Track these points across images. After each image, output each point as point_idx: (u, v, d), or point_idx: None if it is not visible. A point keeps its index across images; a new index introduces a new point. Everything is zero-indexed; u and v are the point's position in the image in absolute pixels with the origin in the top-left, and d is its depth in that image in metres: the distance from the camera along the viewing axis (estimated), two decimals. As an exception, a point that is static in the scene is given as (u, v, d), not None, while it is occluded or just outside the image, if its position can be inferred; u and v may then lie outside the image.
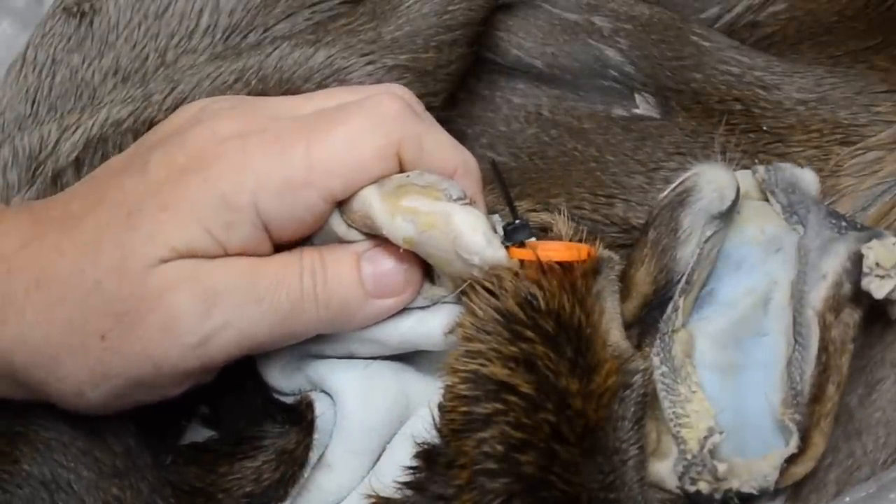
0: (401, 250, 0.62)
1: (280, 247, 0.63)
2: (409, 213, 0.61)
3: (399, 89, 0.67)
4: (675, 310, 0.64)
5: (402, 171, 0.62)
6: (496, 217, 0.64)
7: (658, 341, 0.64)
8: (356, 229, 0.63)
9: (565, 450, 0.59)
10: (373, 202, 0.61)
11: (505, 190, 0.65)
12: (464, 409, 0.60)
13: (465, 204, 0.62)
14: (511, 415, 0.59)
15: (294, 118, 0.63)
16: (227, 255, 0.61)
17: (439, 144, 0.64)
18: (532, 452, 0.59)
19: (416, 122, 0.63)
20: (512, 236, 0.62)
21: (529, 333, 0.60)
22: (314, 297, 0.61)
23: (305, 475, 0.64)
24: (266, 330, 0.61)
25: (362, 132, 0.61)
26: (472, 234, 0.61)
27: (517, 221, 0.63)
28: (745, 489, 0.62)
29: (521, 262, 0.62)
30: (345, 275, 0.62)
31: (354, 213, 0.62)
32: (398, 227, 0.61)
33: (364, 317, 0.63)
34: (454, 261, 0.61)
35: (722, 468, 0.61)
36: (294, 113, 0.64)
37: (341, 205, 0.62)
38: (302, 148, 0.61)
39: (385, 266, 0.63)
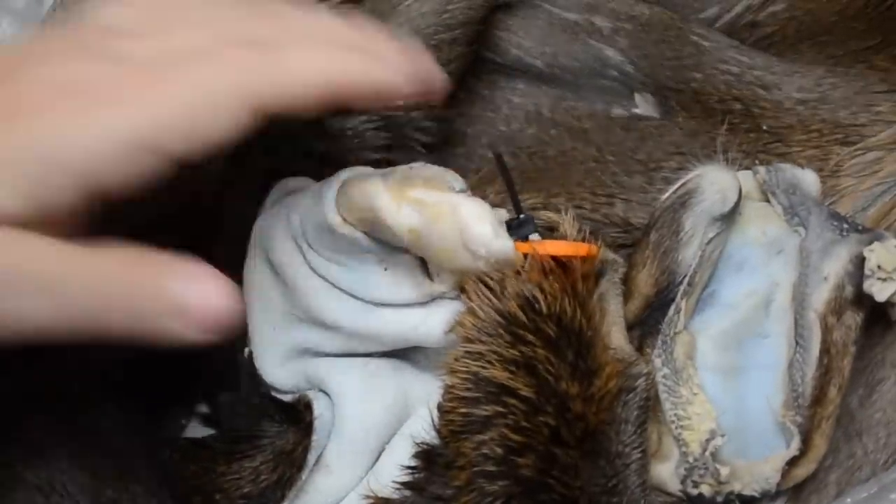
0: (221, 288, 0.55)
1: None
2: (415, 204, 0.60)
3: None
4: (677, 312, 0.64)
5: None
6: (501, 212, 0.64)
7: (660, 343, 0.64)
8: (351, 224, 0.62)
9: (565, 453, 0.59)
10: (377, 193, 0.61)
11: (509, 184, 0.64)
12: (463, 410, 0.60)
13: (470, 196, 0.61)
14: (511, 417, 0.59)
15: (137, 63, 0.55)
16: (42, 223, 0.53)
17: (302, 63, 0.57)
18: (531, 455, 0.59)
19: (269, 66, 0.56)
20: (516, 231, 0.62)
21: (530, 337, 0.60)
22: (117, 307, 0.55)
23: (303, 477, 0.64)
24: (51, 323, 0.54)
25: (206, 86, 0.55)
26: (479, 225, 0.60)
27: (521, 216, 0.63)
28: (747, 492, 0.62)
29: (525, 259, 0.61)
30: (148, 287, 0.55)
31: (353, 204, 0.61)
32: (404, 217, 0.60)
33: (175, 335, 0.56)
34: (459, 253, 0.61)
35: (724, 471, 0.61)
36: (141, 55, 0.56)
37: (338, 197, 0.62)
38: (135, 101, 0.54)
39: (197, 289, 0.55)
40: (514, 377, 0.59)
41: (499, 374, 0.60)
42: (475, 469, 0.59)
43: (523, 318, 0.60)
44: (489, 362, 0.60)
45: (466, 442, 0.60)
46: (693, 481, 0.61)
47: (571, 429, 0.59)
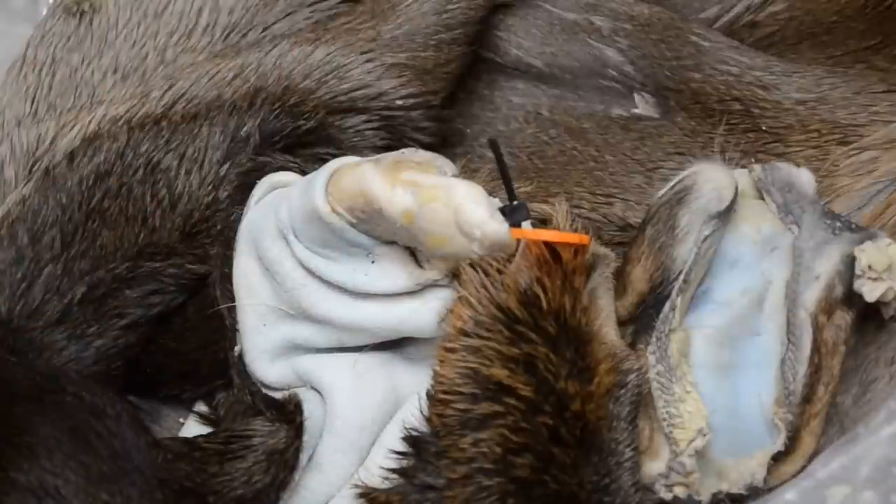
0: None
1: None
2: (409, 185, 0.60)
3: None
4: (673, 309, 0.64)
5: None
6: (494, 200, 0.63)
7: (655, 340, 0.63)
8: (339, 214, 0.61)
9: (563, 452, 0.59)
10: (370, 176, 0.60)
11: (504, 171, 0.64)
12: (460, 406, 0.60)
13: (463, 179, 0.61)
14: (510, 418, 0.59)
15: None
16: None
17: None
18: (529, 455, 0.59)
19: None
20: (510, 217, 0.61)
21: (531, 334, 0.60)
22: None
23: (296, 479, 0.64)
24: None
25: None
26: (474, 207, 0.59)
27: (515, 202, 0.62)
28: (735, 490, 0.62)
29: (517, 251, 0.60)
30: None
31: (344, 190, 0.61)
32: (398, 199, 0.59)
33: None
34: (453, 236, 0.60)
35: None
36: None
37: (328, 185, 0.61)
38: None
39: None
40: (514, 375, 0.59)
41: (498, 371, 0.59)
42: (474, 465, 0.59)
43: (524, 314, 0.60)
44: (488, 359, 0.60)
45: (464, 438, 0.60)
46: (667, 485, 0.61)
47: (570, 428, 0.59)
